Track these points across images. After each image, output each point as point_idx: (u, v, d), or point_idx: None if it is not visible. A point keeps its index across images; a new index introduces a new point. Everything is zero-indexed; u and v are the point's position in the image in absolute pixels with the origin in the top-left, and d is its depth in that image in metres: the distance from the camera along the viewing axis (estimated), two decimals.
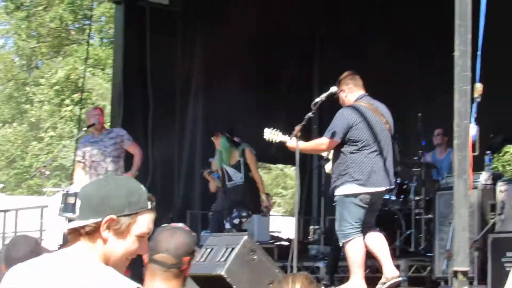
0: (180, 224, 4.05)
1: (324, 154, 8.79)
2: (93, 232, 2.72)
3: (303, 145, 8.12)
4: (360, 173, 7.91)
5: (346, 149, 7.99)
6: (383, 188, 8.09)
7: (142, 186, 2.85)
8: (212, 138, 10.63)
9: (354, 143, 7.96)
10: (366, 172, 7.90)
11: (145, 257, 3.77)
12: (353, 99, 8.16)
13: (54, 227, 13.96)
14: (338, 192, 8.00)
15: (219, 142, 10.51)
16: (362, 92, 8.25)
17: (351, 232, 7.87)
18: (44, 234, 13.09)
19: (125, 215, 2.74)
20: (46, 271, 2.67)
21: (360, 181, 7.92)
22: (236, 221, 10.31)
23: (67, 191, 10.37)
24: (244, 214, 10.39)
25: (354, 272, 7.90)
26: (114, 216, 2.72)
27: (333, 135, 7.94)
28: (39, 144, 33.14)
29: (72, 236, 2.76)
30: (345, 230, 7.89)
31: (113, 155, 10.62)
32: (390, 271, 7.92)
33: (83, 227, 2.72)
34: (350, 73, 8.31)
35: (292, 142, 7.96)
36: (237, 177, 10.50)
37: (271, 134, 8.17)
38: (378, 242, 8.06)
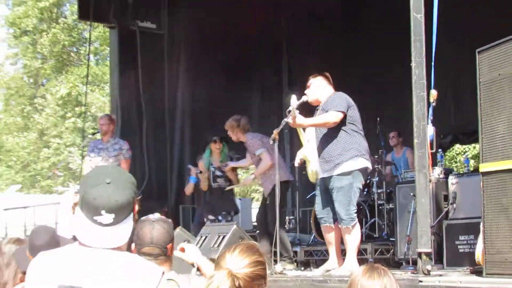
0: (156, 215, 3.92)
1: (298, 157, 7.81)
2: None
3: (310, 121, 7.23)
4: (365, 151, 7.21)
5: (348, 127, 7.16)
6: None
7: None
8: (213, 143, 10.33)
9: (353, 123, 7.20)
10: (366, 151, 7.28)
11: (134, 250, 3.74)
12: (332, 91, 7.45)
13: (66, 220, 13.95)
14: (346, 167, 7.09)
15: (220, 147, 10.29)
16: None
17: (355, 215, 7.19)
18: (58, 227, 13.11)
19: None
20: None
21: (365, 156, 7.22)
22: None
23: (78, 189, 10.17)
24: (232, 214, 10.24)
25: (353, 254, 7.21)
26: (136, 208, 2.70)
27: (340, 110, 7.06)
28: (48, 150, 33.28)
29: None
30: (353, 214, 7.15)
31: (114, 165, 9.95)
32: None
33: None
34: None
35: (299, 118, 7.02)
36: (222, 180, 10.30)
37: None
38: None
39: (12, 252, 4.36)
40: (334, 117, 7.11)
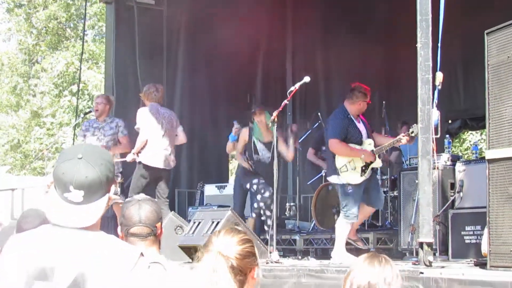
0: (142, 195, 3.93)
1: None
2: None
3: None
4: None
5: None
6: None
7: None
8: (253, 113, 9.67)
9: None
10: None
11: (121, 234, 3.73)
12: None
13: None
14: None
15: (263, 117, 9.47)
16: None
17: None
18: None
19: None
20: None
21: None
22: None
23: None
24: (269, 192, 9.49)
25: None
26: (113, 187, 2.67)
27: None
28: (41, 129, 33.11)
29: None
30: None
31: (109, 144, 10.06)
32: None
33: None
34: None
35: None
36: (264, 155, 9.72)
37: None
38: None
39: None
40: None
